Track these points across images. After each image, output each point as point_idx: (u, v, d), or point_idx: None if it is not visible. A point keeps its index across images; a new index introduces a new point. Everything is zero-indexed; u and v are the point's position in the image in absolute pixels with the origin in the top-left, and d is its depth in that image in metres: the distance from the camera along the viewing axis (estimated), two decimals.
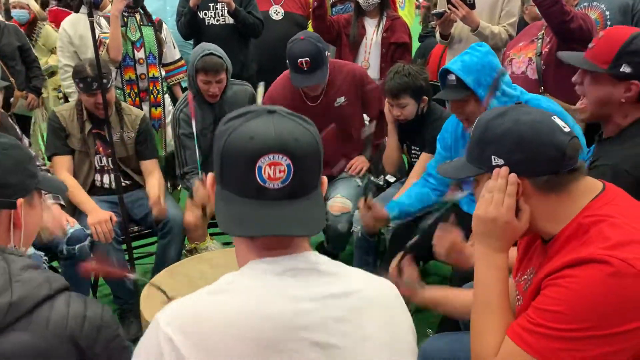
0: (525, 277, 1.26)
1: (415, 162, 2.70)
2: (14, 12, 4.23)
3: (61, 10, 4.86)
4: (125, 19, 3.16)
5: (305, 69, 2.56)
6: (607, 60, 1.56)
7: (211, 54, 2.69)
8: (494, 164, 1.15)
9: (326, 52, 2.65)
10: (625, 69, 1.55)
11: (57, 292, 1.05)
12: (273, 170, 0.85)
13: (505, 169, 1.13)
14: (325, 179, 0.95)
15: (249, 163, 0.85)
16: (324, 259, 0.93)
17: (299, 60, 2.55)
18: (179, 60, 3.46)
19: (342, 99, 2.81)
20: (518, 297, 1.26)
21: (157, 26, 3.28)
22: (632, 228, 1.06)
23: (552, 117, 1.14)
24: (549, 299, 1.04)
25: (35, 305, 1.01)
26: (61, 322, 1.01)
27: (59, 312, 1.02)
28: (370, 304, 0.91)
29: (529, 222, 1.15)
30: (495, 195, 1.14)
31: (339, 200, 2.69)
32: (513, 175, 1.13)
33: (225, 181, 0.90)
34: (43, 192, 1.33)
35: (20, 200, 1.18)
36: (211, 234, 2.90)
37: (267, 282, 0.87)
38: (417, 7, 4.69)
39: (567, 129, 1.12)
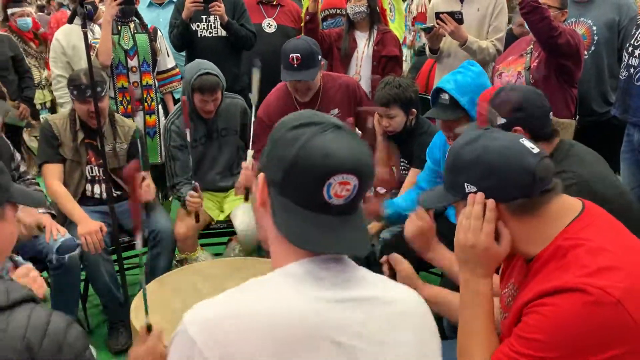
0: (507, 291, 1.28)
1: (404, 174, 2.73)
2: (19, 20, 4.25)
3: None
4: (119, 28, 3.18)
5: (295, 65, 2.59)
6: (486, 120, 1.72)
7: (208, 73, 2.71)
8: (467, 191, 1.17)
9: (319, 56, 2.68)
10: (500, 121, 1.69)
11: (16, 304, 0.98)
12: (341, 189, 0.88)
13: (480, 195, 1.15)
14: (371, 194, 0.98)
15: (321, 179, 0.87)
16: (356, 266, 0.95)
17: (290, 55, 2.59)
18: (172, 68, 3.47)
19: (335, 111, 2.84)
20: (501, 312, 1.27)
21: (152, 34, 3.30)
22: (609, 252, 1.07)
23: (521, 140, 1.16)
24: (529, 327, 1.06)
25: None
26: (18, 332, 0.95)
27: (17, 322, 0.96)
28: (400, 313, 0.93)
29: (509, 245, 1.16)
30: (473, 222, 1.15)
31: None
32: (491, 201, 1.14)
33: (287, 190, 0.90)
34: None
35: None
36: (201, 245, 2.90)
37: (297, 283, 0.88)
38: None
39: (535, 151, 1.14)
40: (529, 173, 1.11)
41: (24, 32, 4.29)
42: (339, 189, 0.88)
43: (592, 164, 1.75)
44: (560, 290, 1.04)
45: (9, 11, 4.26)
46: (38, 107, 4.39)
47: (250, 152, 2.56)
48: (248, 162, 2.52)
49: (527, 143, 1.15)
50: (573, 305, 1.01)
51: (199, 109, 2.77)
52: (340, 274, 0.91)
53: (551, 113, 1.77)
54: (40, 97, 4.39)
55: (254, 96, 2.59)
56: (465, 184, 1.17)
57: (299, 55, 2.58)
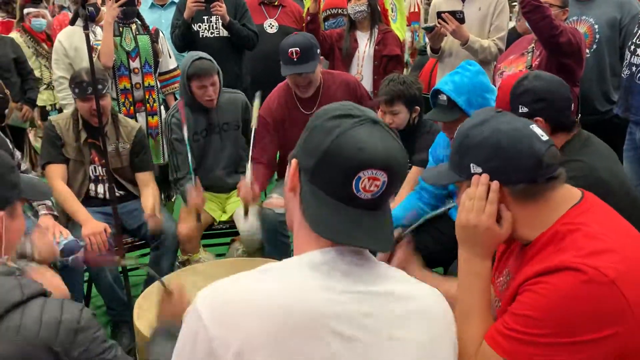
0: (502, 279, 1.28)
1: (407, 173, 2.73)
2: (33, 20, 4.26)
3: (7, 21, 4.89)
4: (121, 29, 3.19)
5: (295, 59, 2.59)
6: (507, 107, 1.68)
7: (200, 58, 2.72)
8: (472, 171, 1.17)
9: (318, 50, 2.69)
10: (522, 109, 1.67)
11: (30, 298, 1.02)
12: (370, 183, 0.88)
13: (485, 176, 1.15)
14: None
15: (351, 172, 0.88)
16: (376, 261, 0.95)
17: (290, 49, 2.59)
18: (174, 69, 3.48)
19: None
20: (496, 299, 1.28)
21: (154, 36, 3.31)
22: (606, 237, 1.08)
23: (531, 126, 1.15)
24: (523, 305, 1.06)
25: (6, 311, 0.99)
26: (33, 327, 0.98)
27: (31, 317, 0.99)
28: (416, 312, 0.92)
29: (510, 228, 1.16)
30: (476, 202, 1.15)
31: None
32: (495, 183, 1.14)
33: (317, 178, 0.91)
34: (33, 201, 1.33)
35: (0, 213, 1.17)
36: (204, 246, 2.91)
37: (311, 271, 0.89)
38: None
39: (545, 138, 1.13)
40: (537, 158, 1.11)
41: (36, 33, 4.31)
42: (367, 183, 0.88)
43: (607, 158, 1.75)
44: (556, 270, 1.04)
45: (25, 11, 4.28)
46: (48, 108, 4.40)
47: (249, 166, 2.56)
48: (247, 178, 2.53)
49: (537, 129, 1.14)
50: (568, 284, 1.02)
51: (200, 97, 2.75)
52: (357, 268, 0.91)
53: (572, 105, 1.75)
54: (50, 98, 4.39)
55: (253, 121, 2.62)
56: (471, 165, 1.16)
57: (297, 49, 2.58)
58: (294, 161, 0.96)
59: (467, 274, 1.19)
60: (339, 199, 0.90)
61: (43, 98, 4.31)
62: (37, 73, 4.24)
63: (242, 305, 0.85)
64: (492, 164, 1.14)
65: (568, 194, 1.17)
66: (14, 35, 4.28)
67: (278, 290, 0.86)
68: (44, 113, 4.31)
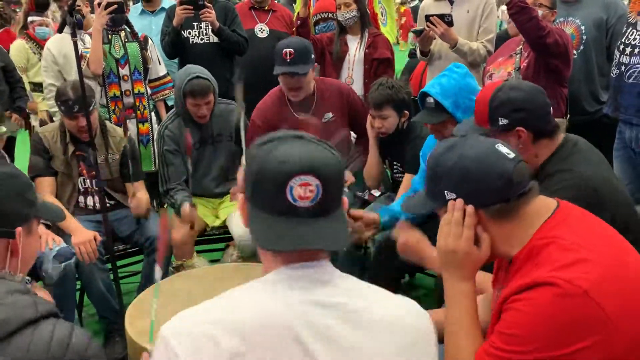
0: (496, 292, 1.30)
1: (398, 176, 2.74)
2: (37, 29, 4.25)
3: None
4: (110, 37, 3.18)
5: (288, 59, 2.61)
6: (486, 120, 1.70)
7: (197, 77, 2.71)
8: (447, 198, 1.20)
9: (312, 56, 2.70)
10: (502, 121, 1.67)
11: (43, 317, 1.03)
12: (304, 190, 0.92)
13: (460, 202, 1.18)
14: (345, 198, 1.01)
15: (281, 184, 0.92)
16: (341, 273, 0.98)
17: (284, 50, 2.61)
18: (164, 76, 3.47)
19: (329, 115, 2.85)
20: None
21: (143, 43, 3.30)
22: (580, 247, 1.10)
23: (496, 146, 1.18)
24: (507, 323, 1.09)
25: (18, 329, 1.00)
26: (43, 347, 0.99)
27: (41, 337, 1.00)
28: (378, 321, 0.94)
29: (489, 249, 1.19)
30: (453, 228, 1.18)
31: None
32: (471, 207, 1.17)
33: (257, 200, 0.96)
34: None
35: (18, 229, 1.19)
36: (198, 251, 2.90)
37: (274, 287, 0.93)
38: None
39: (511, 155, 1.17)
40: (506, 178, 1.14)
41: (41, 40, 4.30)
42: (300, 190, 0.92)
43: (597, 164, 1.74)
44: (533, 285, 1.07)
45: (29, 19, 4.27)
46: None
47: (241, 170, 2.55)
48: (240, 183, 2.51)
49: (502, 148, 1.18)
50: (544, 298, 1.04)
51: (193, 113, 2.77)
52: (318, 282, 0.94)
53: (551, 109, 1.75)
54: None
55: (238, 107, 2.59)
56: (445, 191, 1.20)
57: (292, 50, 2.60)
58: (240, 196, 1.01)
59: (452, 294, 1.23)
60: (280, 213, 0.93)
61: (49, 103, 4.29)
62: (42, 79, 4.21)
63: (207, 328, 0.88)
64: (464, 189, 1.17)
65: (542, 207, 1.19)
66: (19, 42, 4.27)
67: (241, 310, 0.90)
68: (50, 118, 4.28)
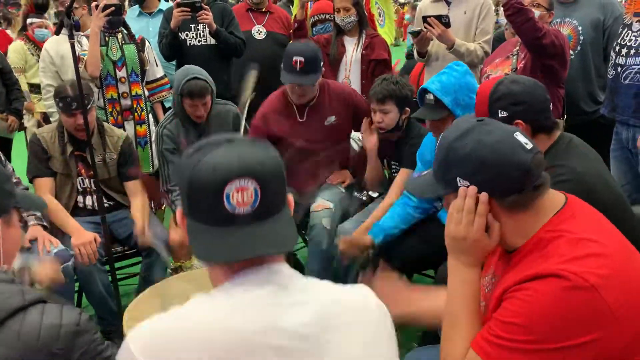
0: (487, 279, 1.29)
1: (396, 176, 2.73)
2: (36, 31, 4.25)
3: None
4: (107, 39, 3.18)
5: (298, 69, 2.59)
6: (486, 112, 1.70)
7: (195, 78, 2.71)
8: (459, 185, 1.17)
9: (321, 63, 2.69)
10: (501, 114, 1.68)
11: (31, 304, 1.04)
12: (241, 196, 0.87)
13: (472, 189, 1.15)
14: (291, 197, 0.97)
15: (217, 192, 0.87)
16: (294, 272, 0.95)
17: (294, 58, 2.58)
18: (161, 78, 3.47)
19: (332, 118, 2.85)
20: (482, 302, 1.29)
21: (140, 45, 3.30)
22: (589, 242, 1.09)
23: (514, 135, 1.15)
24: (508, 312, 1.08)
25: (6, 317, 1.00)
26: (33, 333, 1.00)
27: (31, 323, 1.01)
28: (340, 313, 0.92)
29: (499, 238, 1.17)
30: (465, 215, 1.15)
31: (320, 201, 2.73)
32: (484, 195, 1.14)
33: (194, 212, 0.91)
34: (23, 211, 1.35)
35: None
36: None
37: (233, 297, 0.89)
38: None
39: (529, 146, 1.13)
40: (523, 169, 1.11)
41: (40, 42, 4.30)
42: (238, 196, 0.87)
43: (592, 161, 1.75)
44: (539, 276, 1.06)
45: (28, 21, 4.27)
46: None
47: None
48: None
49: (520, 138, 1.14)
50: (551, 290, 1.03)
51: (190, 114, 2.77)
52: (278, 285, 0.91)
53: (551, 105, 1.76)
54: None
55: (244, 98, 2.57)
56: (458, 178, 1.16)
57: (302, 59, 2.57)
58: (178, 211, 0.97)
59: (455, 280, 1.20)
60: (219, 223, 0.88)
61: (46, 104, 4.28)
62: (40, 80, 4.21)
63: (173, 335, 0.86)
64: (478, 177, 1.14)
65: (552, 200, 1.18)
66: (18, 43, 4.27)
67: (209, 317, 0.87)
68: (46, 119, 4.28)
